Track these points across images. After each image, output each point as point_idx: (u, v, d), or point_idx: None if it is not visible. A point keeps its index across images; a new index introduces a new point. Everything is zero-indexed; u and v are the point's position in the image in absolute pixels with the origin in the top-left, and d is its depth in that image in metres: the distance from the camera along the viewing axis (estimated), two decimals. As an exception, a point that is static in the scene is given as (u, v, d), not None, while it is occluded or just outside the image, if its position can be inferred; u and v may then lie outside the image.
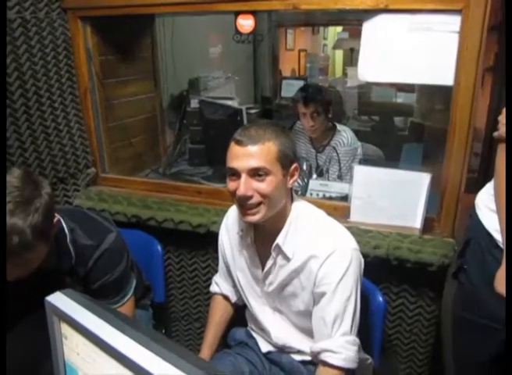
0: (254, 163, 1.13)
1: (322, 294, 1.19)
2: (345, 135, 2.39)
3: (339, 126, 2.44)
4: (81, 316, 0.65)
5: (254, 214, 1.17)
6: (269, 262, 1.27)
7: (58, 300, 0.69)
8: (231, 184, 1.18)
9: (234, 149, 1.16)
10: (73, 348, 0.70)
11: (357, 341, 1.20)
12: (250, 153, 1.13)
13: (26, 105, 1.68)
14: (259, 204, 1.16)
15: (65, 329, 0.71)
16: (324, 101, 2.32)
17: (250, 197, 1.15)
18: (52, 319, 0.69)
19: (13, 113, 1.64)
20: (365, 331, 1.23)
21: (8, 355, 1.32)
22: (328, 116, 2.35)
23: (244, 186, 1.13)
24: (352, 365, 1.17)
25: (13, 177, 1.13)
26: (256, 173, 1.14)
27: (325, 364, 1.18)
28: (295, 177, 1.22)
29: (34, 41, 1.67)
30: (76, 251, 1.32)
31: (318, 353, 1.19)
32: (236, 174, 1.16)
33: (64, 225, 1.31)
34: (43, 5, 1.69)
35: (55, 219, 1.23)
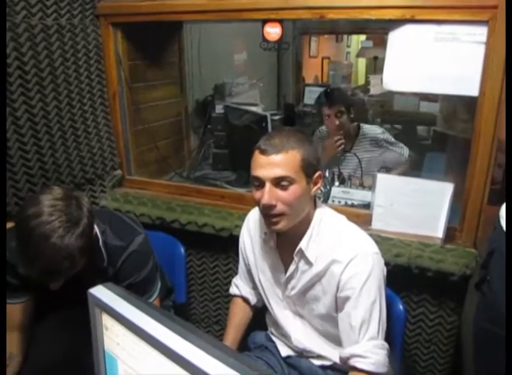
0: (278, 172, 1.14)
1: (346, 299, 1.19)
2: None
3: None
4: (122, 308, 0.68)
5: (277, 223, 1.19)
6: (292, 267, 1.29)
7: (100, 292, 0.72)
8: (256, 193, 1.19)
9: (258, 158, 1.17)
10: (113, 337, 0.73)
11: (386, 345, 1.19)
12: (274, 162, 1.14)
13: (58, 108, 1.73)
14: (282, 213, 1.17)
15: (106, 320, 0.74)
16: (346, 102, 2.38)
17: (274, 206, 1.16)
18: (94, 311, 0.73)
19: (46, 115, 1.69)
20: (385, 339, 1.22)
21: (46, 349, 1.38)
22: (351, 116, 2.38)
23: (268, 195, 1.14)
24: (382, 369, 1.16)
25: (57, 199, 1.15)
26: (280, 182, 1.14)
27: (355, 369, 1.17)
28: (318, 185, 1.23)
29: (68, 46, 1.73)
30: (107, 252, 1.36)
31: (348, 359, 1.19)
32: (260, 183, 1.17)
33: (96, 228, 1.34)
34: (77, 11, 1.75)
35: (94, 232, 1.27)
